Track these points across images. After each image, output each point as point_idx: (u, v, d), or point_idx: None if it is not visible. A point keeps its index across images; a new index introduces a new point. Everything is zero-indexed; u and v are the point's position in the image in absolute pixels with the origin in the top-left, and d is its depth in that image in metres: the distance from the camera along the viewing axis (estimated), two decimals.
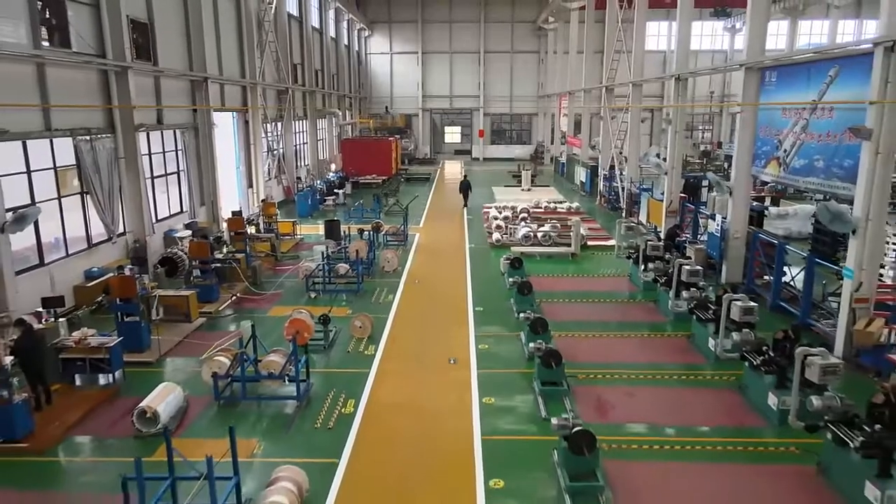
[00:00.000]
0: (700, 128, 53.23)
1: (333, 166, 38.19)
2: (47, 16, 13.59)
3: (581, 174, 34.70)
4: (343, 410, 9.65)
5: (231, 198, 24.14)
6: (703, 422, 9.35)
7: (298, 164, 32.59)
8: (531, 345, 10.77)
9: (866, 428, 7.25)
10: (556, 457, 8.08)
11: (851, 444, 7.17)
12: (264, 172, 26.92)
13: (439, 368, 11.21)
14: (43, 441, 8.55)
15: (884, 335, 10.48)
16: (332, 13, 41.19)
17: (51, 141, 13.55)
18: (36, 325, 10.05)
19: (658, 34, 50.37)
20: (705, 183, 24.07)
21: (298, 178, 31.63)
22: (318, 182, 31.92)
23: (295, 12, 32.76)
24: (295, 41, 32.41)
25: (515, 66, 53.92)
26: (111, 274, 13.48)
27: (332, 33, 41.28)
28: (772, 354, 9.43)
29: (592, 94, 33.91)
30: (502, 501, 7.45)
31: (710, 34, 52.56)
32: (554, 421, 7.97)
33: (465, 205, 28.41)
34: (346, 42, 45.76)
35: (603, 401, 9.97)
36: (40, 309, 11.24)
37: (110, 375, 10.36)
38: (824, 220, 11.30)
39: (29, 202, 12.77)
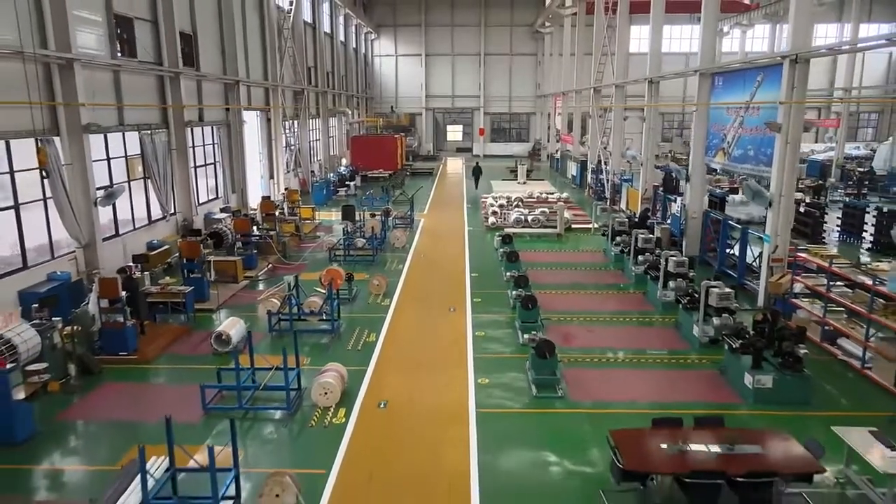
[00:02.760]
0: (691, 126, 55.99)
1: (344, 161, 41.10)
2: (119, 31, 16.51)
3: (572, 168, 37.58)
4: (367, 339, 12.56)
5: (255, 187, 27.06)
6: (642, 346, 12.25)
7: (312, 158, 35.50)
8: (513, 293, 13.66)
9: (746, 336, 10.14)
10: (527, 364, 10.95)
11: (734, 346, 10.06)
12: (283, 165, 29.85)
13: (441, 313, 14.12)
14: (146, 354, 11.49)
15: (789, 286, 13.31)
16: (341, 19, 44.09)
17: (123, 134, 16.50)
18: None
19: (650, 38, 53.17)
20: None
21: (312, 172, 34.56)
22: (332, 175, 34.86)
23: (309, 19, 35.68)
24: (309, 46, 35.33)
25: (514, 68, 56.83)
26: (168, 244, 16.38)
27: (341, 37, 44.20)
28: (696, 296, 12.30)
29: (583, 94, 36.74)
30: (486, 391, 10.33)
31: (698, 38, 55.36)
32: (526, 336, 10.88)
33: (476, 187, 32.38)
34: (354, 45, 48.67)
35: (568, 334, 12.84)
36: (130, 263, 14.17)
37: (184, 315, 13.28)
38: (748, 197, 14.17)
39: (108, 184, 15.70)
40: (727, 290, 11.18)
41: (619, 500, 7.43)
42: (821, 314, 12.06)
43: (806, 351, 9.64)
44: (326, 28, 39.86)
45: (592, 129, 32.92)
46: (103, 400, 10.12)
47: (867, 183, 30.73)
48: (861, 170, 33.63)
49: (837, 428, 7.78)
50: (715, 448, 7.17)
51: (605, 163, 30.03)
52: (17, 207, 12.57)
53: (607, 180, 29.40)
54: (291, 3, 30.82)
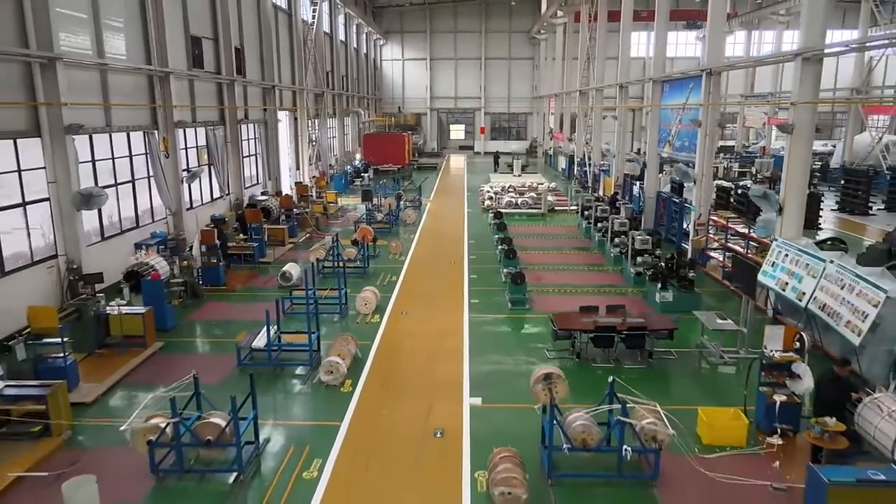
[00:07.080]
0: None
1: (358, 156, 45.57)
2: (192, 49, 20.95)
3: (562, 162, 41.99)
4: (390, 279, 17.01)
5: (285, 175, 31.53)
6: (593, 283, 16.66)
7: (330, 153, 39.94)
8: (499, 248, 18.09)
9: (658, 268, 14.54)
10: (505, 292, 15.34)
11: (648, 275, 14.46)
12: (307, 158, 34.32)
13: (444, 266, 18.58)
14: (233, 286, 15.96)
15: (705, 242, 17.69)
16: (354, 27, 48.54)
17: (195, 130, 20.98)
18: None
19: (637, 42, 57.51)
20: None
21: (330, 165, 39.02)
22: (347, 167, 39.36)
23: (327, 29, 40.14)
24: (327, 53, 39.79)
25: (513, 71, 61.25)
26: (227, 217, 20.84)
27: (353, 44, 48.63)
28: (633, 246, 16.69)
29: (571, 96, 41.11)
30: (476, 306, 14.74)
31: (684, 43, 59.73)
32: (504, 271, 15.27)
33: (495, 169, 42.09)
34: (364, 51, 53.13)
35: (540, 276, 17.26)
36: (210, 224, 18.66)
37: (252, 264, 17.74)
38: (679, 177, 18.53)
39: (185, 167, 20.17)
40: (646, 237, 15.58)
41: (557, 354, 11.82)
42: (723, 261, 16.46)
43: (694, 274, 14.05)
44: (341, 36, 44.28)
45: (578, 127, 37.32)
46: (211, 311, 14.57)
47: (818, 174, 34.97)
48: (818, 163, 37.87)
49: (697, 312, 12.19)
50: (614, 318, 11.58)
51: (589, 157, 34.43)
52: (133, 182, 17.06)
53: (589, 171, 33.80)
54: (314, 17, 35.27)
